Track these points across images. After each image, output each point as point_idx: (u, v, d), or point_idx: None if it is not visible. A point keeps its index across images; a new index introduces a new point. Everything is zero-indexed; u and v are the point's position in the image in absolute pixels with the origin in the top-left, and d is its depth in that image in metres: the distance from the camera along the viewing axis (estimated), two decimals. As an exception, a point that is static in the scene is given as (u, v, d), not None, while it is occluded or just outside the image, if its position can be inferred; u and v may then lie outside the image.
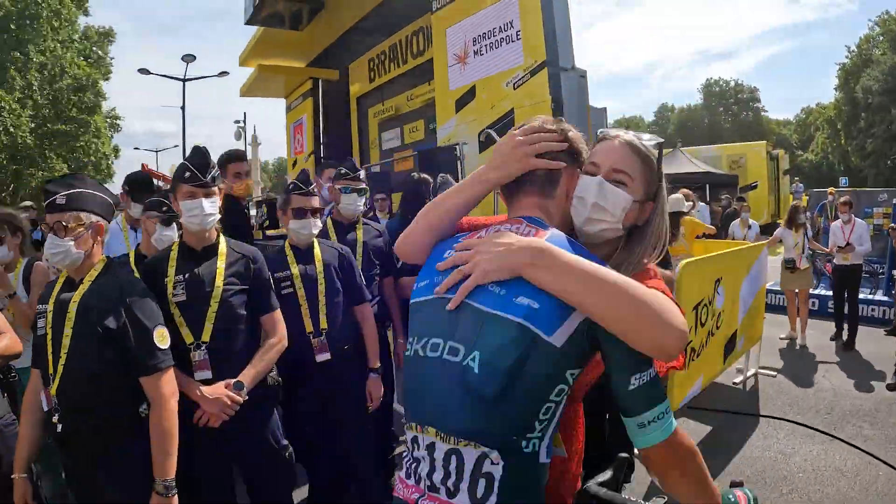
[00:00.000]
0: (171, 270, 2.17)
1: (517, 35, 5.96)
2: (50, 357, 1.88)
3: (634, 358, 1.02)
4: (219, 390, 2.09)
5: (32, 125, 21.03)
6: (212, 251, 2.23)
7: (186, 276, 2.16)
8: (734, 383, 5.25)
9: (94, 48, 25.20)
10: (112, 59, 26.57)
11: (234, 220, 3.48)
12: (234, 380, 2.13)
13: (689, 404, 4.26)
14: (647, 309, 0.98)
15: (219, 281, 2.17)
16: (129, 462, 1.87)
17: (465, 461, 1.02)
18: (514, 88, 6.24)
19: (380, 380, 2.87)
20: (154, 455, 1.82)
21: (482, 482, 1.01)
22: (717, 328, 4.33)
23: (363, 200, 3.25)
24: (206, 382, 2.11)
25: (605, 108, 7.63)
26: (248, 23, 10.06)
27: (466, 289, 1.08)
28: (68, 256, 1.87)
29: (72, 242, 1.86)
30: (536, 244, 1.06)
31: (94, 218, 1.92)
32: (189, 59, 20.75)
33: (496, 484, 1.01)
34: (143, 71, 20.35)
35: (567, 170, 1.23)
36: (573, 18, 5.91)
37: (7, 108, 19.53)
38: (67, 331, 1.85)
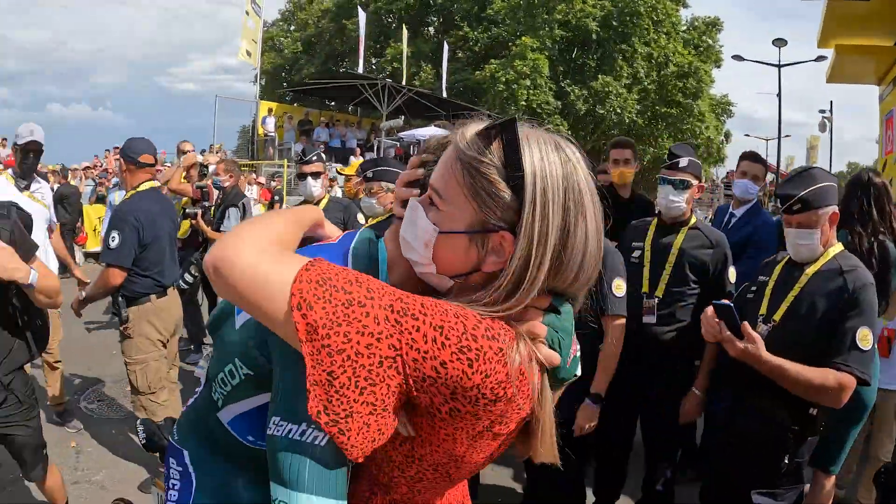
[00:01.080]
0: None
1: None
2: None
3: (281, 380, 0.76)
4: None
5: (639, 107, 25.06)
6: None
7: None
8: None
9: (704, 37, 27.26)
10: (721, 46, 27.78)
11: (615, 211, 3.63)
12: None
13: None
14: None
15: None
16: None
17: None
18: None
19: None
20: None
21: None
22: None
23: (682, 196, 2.54)
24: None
25: None
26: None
27: None
28: (372, 209, 2.94)
29: (374, 200, 2.91)
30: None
31: (384, 185, 2.86)
32: (780, 43, 20.51)
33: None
34: (737, 57, 21.33)
35: None
36: None
37: (614, 91, 24.04)
38: None
